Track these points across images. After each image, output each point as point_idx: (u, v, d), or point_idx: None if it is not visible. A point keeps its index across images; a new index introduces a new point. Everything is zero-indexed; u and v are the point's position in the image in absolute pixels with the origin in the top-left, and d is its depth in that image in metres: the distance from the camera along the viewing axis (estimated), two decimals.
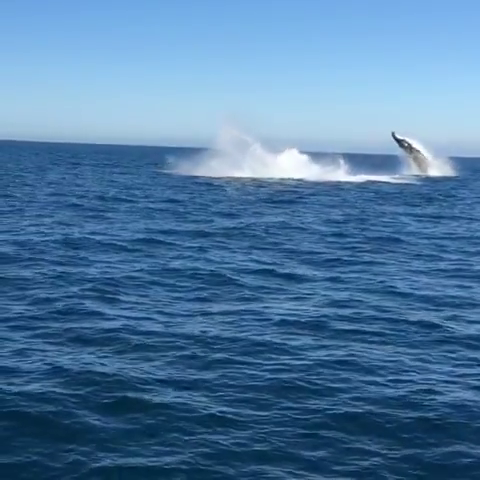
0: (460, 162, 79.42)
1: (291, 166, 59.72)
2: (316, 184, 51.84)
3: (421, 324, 12.17)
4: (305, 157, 61.65)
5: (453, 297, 14.55)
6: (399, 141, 74.23)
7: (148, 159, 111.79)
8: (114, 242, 20.08)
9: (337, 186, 51.41)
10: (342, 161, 61.59)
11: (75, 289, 13.78)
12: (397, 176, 65.80)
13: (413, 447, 7.46)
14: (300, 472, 6.86)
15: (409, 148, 73.88)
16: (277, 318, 12.22)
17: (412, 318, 12.53)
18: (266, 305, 13.27)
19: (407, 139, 73.71)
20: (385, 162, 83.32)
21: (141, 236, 21.55)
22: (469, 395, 8.87)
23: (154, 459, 6.95)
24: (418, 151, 73.66)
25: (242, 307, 13.03)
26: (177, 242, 20.80)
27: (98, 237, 20.86)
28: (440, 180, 65.22)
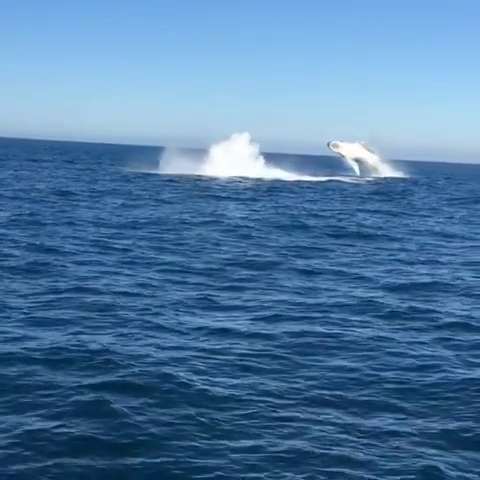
0: (409, 165, 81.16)
1: (246, 163, 57.75)
2: (276, 182, 52.61)
3: (392, 309, 12.94)
4: (256, 147, 59.90)
5: (422, 284, 15.47)
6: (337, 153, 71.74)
7: (107, 156, 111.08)
8: (84, 235, 20.34)
9: (297, 185, 52.29)
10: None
11: (59, 283, 13.97)
12: (353, 177, 66.96)
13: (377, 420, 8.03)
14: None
15: (344, 157, 71.22)
16: (257, 307, 12.73)
17: (385, 306, 13.21)
18: (243, 295, 13.75)
19: (341, 151, 70.44)
20: (342, 164, 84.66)
21: (105, 231, 21.77)
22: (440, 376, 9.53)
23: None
24: (357, 159, 70.89)
25: (222, 296, 13.50)
26: (148, 236, 21.17)
27: (69, 231, 21.13)
28: (393, 181, 66.48)
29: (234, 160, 57.50)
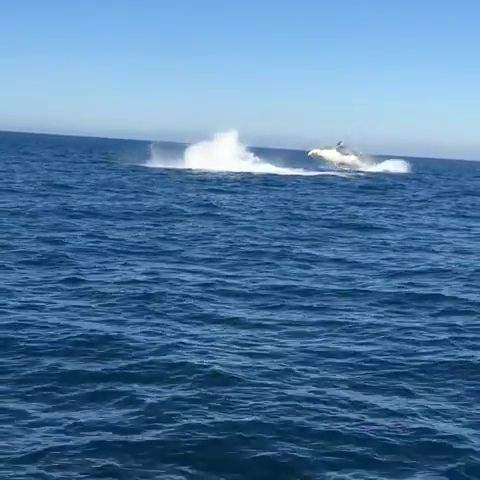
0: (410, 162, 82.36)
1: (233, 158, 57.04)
2: (268, 176, 52.86)
3: (392, 294, 13.42)
4: (243, 147, 58.83)
5: (418, 271, 16.05)
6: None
7: (96, 150, 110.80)
8: (85, 227, 20.61)
9: (289, 179, 52.52)
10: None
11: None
12: (344, 171, 67.51)
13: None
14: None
15: (327, 162, 73.24)
16: (259, 294, 13.09)
17: (385, 291, 13.72)
18: (245, 282, 14.09)
19: (324, 156, 72.43)
20: None
21: (104, 222, 22.04)
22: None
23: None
24: (338, 163, 72.80)
25: (227, 284, 13.83)
26: (145, 227, 21.42)
27: (69, 223, 21.44)
28: (383, 176, 66.98)
29: (213, 162, 55.45)
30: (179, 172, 51.14)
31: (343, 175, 62.26)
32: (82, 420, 7.29)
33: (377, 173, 70.60)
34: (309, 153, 71.72)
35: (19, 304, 11.47)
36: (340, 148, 72.35)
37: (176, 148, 57.66)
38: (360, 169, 72.72)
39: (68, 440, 6.84)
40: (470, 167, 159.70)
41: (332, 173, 62.93)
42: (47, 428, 7.10)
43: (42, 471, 6.24)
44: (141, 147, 62.78)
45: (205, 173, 51.85)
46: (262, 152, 61.81)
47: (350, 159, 74.00)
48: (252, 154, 60.51)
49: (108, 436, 6.96)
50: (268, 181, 48.15)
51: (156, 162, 57.48)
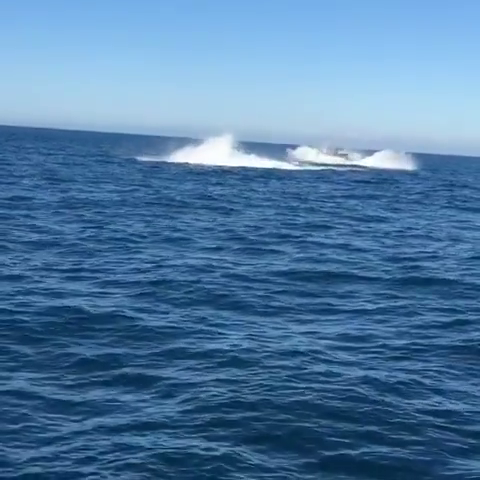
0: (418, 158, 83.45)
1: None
2: (266, 171, 53.12)
3: (396, 278, 13.90)
4: (236, 151, 58.12)
5: (418, 256, 16.54)
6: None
7: (91, 144, 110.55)
8: (91, 218, 20.90)
9: (287, 173, 52.81)
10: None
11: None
12: (341, 166, 68.07)
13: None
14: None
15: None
16: (262, 271, 13.67)
17: (389, 275, 14.15)
18: (249, 267, 14.43)
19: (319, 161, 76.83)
20: None
21: (109, 212, 22.31)
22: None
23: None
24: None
25: (238, 270, 14.12)
26: (148, 218, 21.68)
27: (74, 215, 21.64)
28: (380, 171, 67.35)
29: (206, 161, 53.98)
30: (176, 165, 51.39)
31: (341, 169, 62.67)
32: (105, 403, 7.52)
33: (373, 168, 71.17)
34: (301, 161, 75.55)
35: (37, 291, 11.67)
36: (324, 154, 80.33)
37: (176, 143, 57.97)
38: (353, 163, 75.96)
39: (91, 422, 7.04)
40: (467, 163, 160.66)
41: (329, 168, 63.32)
42: (71, 411, 7.31)
43: (68, 454, 6.42)
44: (139, 141, 63.02)
45: (202, 166, 52.07)
46: (262, 147, 62.14)
47: (336, 161, 78.31)
48: (248, 155, 60.10)
49: (131, 418, 7.18)
50: (266, 175, 48.43)
51: (154, 156, 57.75)
